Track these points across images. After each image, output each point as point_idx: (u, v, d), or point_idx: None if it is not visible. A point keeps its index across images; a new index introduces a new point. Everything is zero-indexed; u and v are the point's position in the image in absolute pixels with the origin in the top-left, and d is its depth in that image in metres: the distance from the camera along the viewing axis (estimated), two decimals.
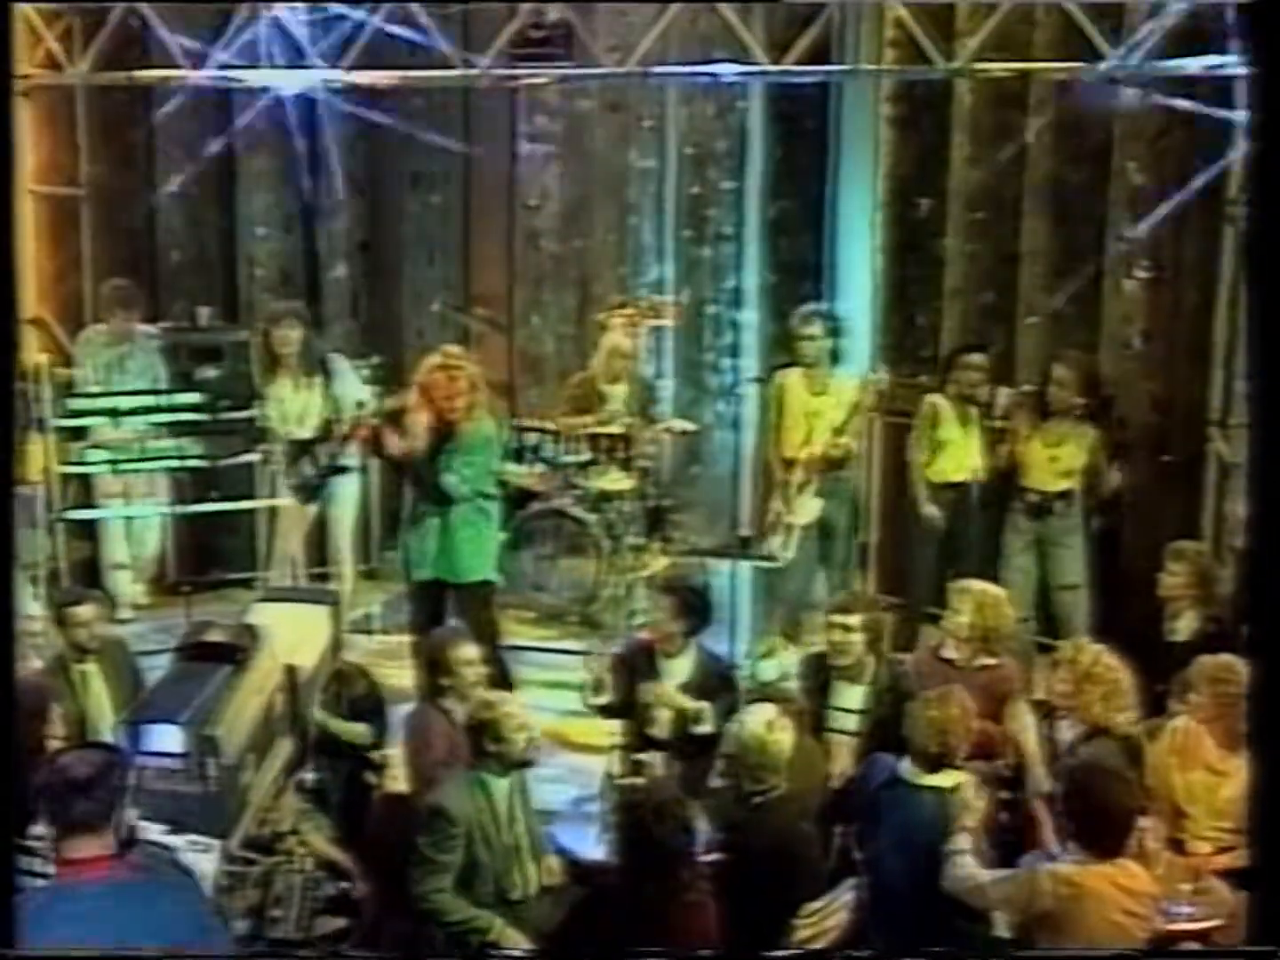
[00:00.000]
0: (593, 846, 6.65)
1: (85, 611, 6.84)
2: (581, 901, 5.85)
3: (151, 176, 10.08)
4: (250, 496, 9.41)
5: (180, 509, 9.35)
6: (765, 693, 6.89)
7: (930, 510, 8.54)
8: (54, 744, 6.10)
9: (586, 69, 8.33)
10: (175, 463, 9.10)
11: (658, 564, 9.11)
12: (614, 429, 9.04)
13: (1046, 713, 6.58)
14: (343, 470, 9.01)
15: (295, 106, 9.71)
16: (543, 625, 9.31)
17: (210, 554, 9.78)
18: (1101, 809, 5.26)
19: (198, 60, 8.34)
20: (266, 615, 5.85)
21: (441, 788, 5.96)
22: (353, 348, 9.75)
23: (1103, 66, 7.63)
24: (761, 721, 6.05)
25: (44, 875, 4.35)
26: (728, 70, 8.34)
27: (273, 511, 9.24)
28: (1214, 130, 7.62)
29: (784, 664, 8.55)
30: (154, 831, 4.55)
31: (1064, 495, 8.31)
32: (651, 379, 9.61)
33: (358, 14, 8.22)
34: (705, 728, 6.75)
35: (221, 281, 10.29)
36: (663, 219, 10.26)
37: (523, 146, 10.44)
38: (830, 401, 8.66)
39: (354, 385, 8.97)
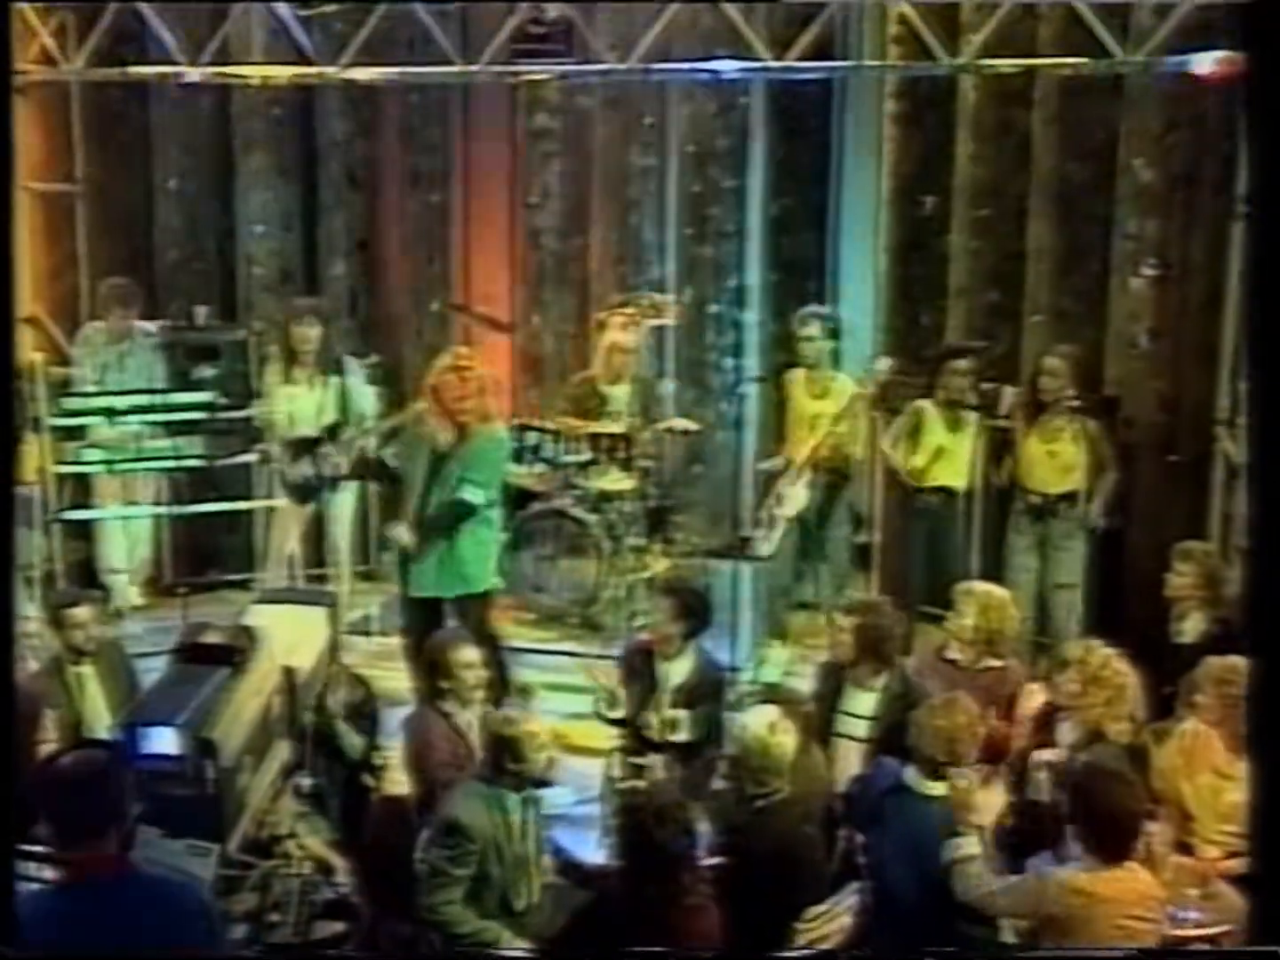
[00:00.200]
0: (594, 850, 6.60)
1: (82, 613, 6.80)
2: (582, 905, 5.82)
3: (148, 173, 10.05)
4: (247, 497, 9.40)
5: (177, 509, 9.31)
6: (768, 694, 6.82)
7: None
8: (48, 747, 6.06)
9: (587, 65, 8.27)
10: (172, 463, 9.07)
11: (659, 565, 9.09)
12: (615, 429, 9.01)
13: (1049, 713, 6.53)
14: (342, 476, 8.95)
15: (294, 103, 9.70)
16: (543, 627, 9.26)
17: (207, 555, 9.76)
18: (1105, 813, 5.23)
19: (194, 55, 8.29)
20: (264, 617, 5.83)
21: (458, 801, 5.91)
22: (352, 346, 9.70)
23: (1109, 63, 7.59)
24: (764, 724, 6.01)
25: (45, 876, 4.33)
26: (729, 67, 8.28)
27: (269, 512, 9.19)
28: (1222, 126, 7.57)
29: (779, 663, 8.55)
30: (152, 834, 4.50)
31: (1067, 497, 8.25)
32: (653, 378, 9.56)
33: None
34: (681, 735, 6.74)
35: (219, 280, 10.23)
36: (664, 217, 10.22)
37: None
38: (830, 405, 8.65)
39: (362, 393, 8.96)
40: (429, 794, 6.37)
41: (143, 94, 9.71)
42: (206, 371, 9.54)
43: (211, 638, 5.29)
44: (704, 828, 5.83)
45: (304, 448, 8.87)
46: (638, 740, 6.95)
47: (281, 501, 9.04)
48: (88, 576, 9.31)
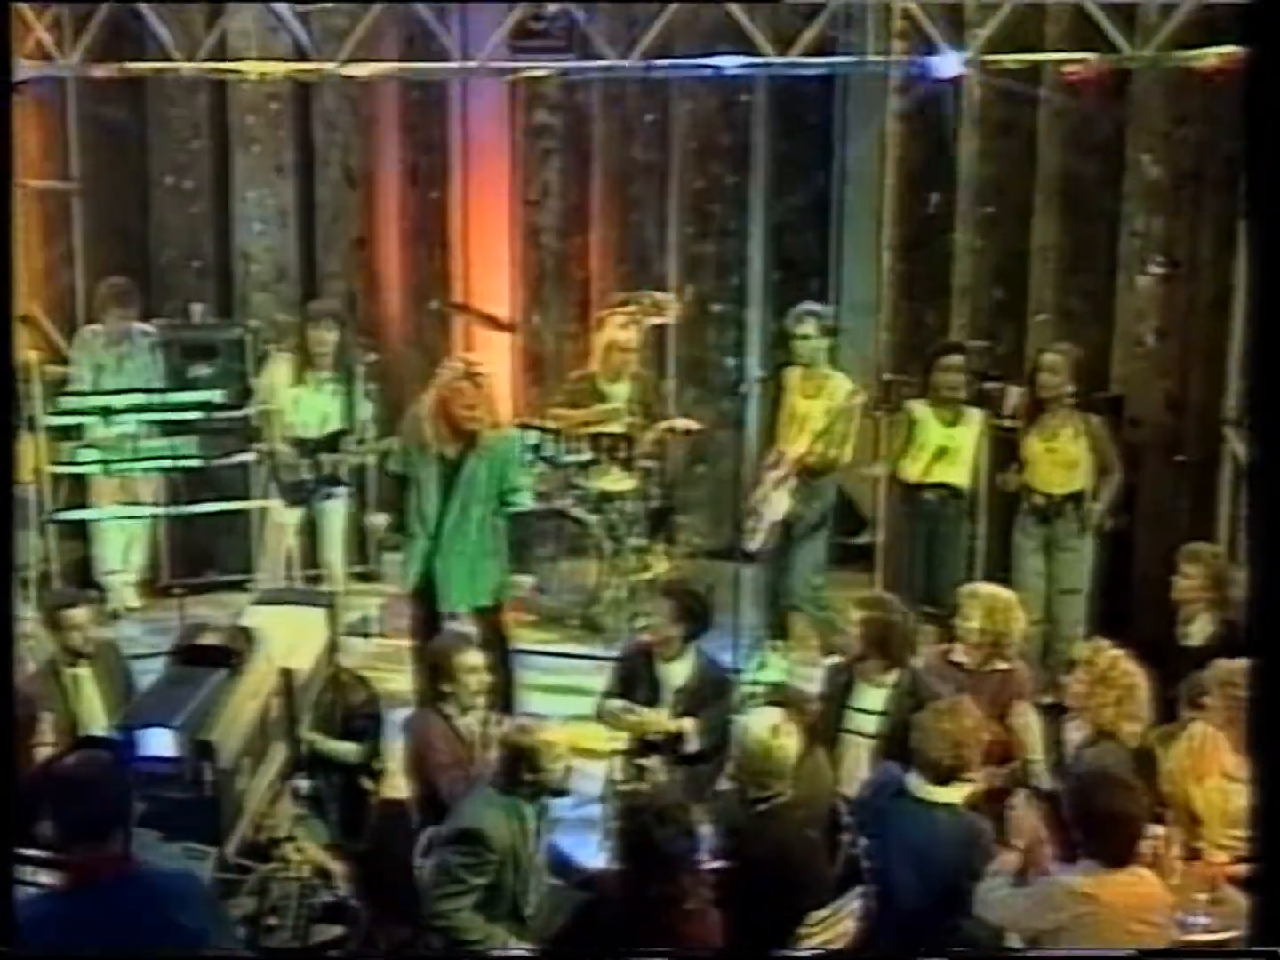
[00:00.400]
0: (595, 852, 6.56)
1: (78, 614, 6.77)
2: (583, 907, 5.79)
3: (145, 170, 9.99)
4: (245, 497, 9.38)
5: (174, 510, 9.25)
6: (772, 696, 6.77)
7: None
8: (44, 749, 6.08)
9: (587, 62, 8.23)
10: (168, 463, 9.02)
11: (660, 566, 9.04)
12: (615, 428, 8.96)
13: (1056, 715, 6.48)
14: (339, 483, 8.92)
15: (291, 98, 9.65)
16: (543, 628, 9.20)
17: (204, 555, 9.70)
18: (1106, 816, 5.19)
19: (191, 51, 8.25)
20: (262, 617, 5.79)
21: (477, 810, 5.86)
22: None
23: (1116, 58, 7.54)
24: (766, 726, 5.97)
25: (46, 878, 4.31)
26: (731, 63, 8.24)
27: (265, 512, 9.16)
28: (1231, 123, 7.52)
29: (780, 663, 8.51)
30: (149, 838, 4.50)
31: (1072, 498, 8.19)
32: (654, 377, 9.51)
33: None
34: (692, 746, 6.71)
35: (216, 278, 10.18)
36: (665, 215, 10.19)
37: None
38: (820, 405, 8.59)
39: (363, 398, 8.96)
40: (428, 797, 6.34)
41: (139, 89, 9.64)
42: (203, 370, 9.51)
43: (209, 639, 5.25)
44: (705, 830, 5.78)
45: (304, 450, 8.83)
46: (643, 743, 6.89)
47: (275, 502, 8.99)
48: (84, 577, 9.27)
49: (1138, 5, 7.70)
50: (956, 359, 8.43)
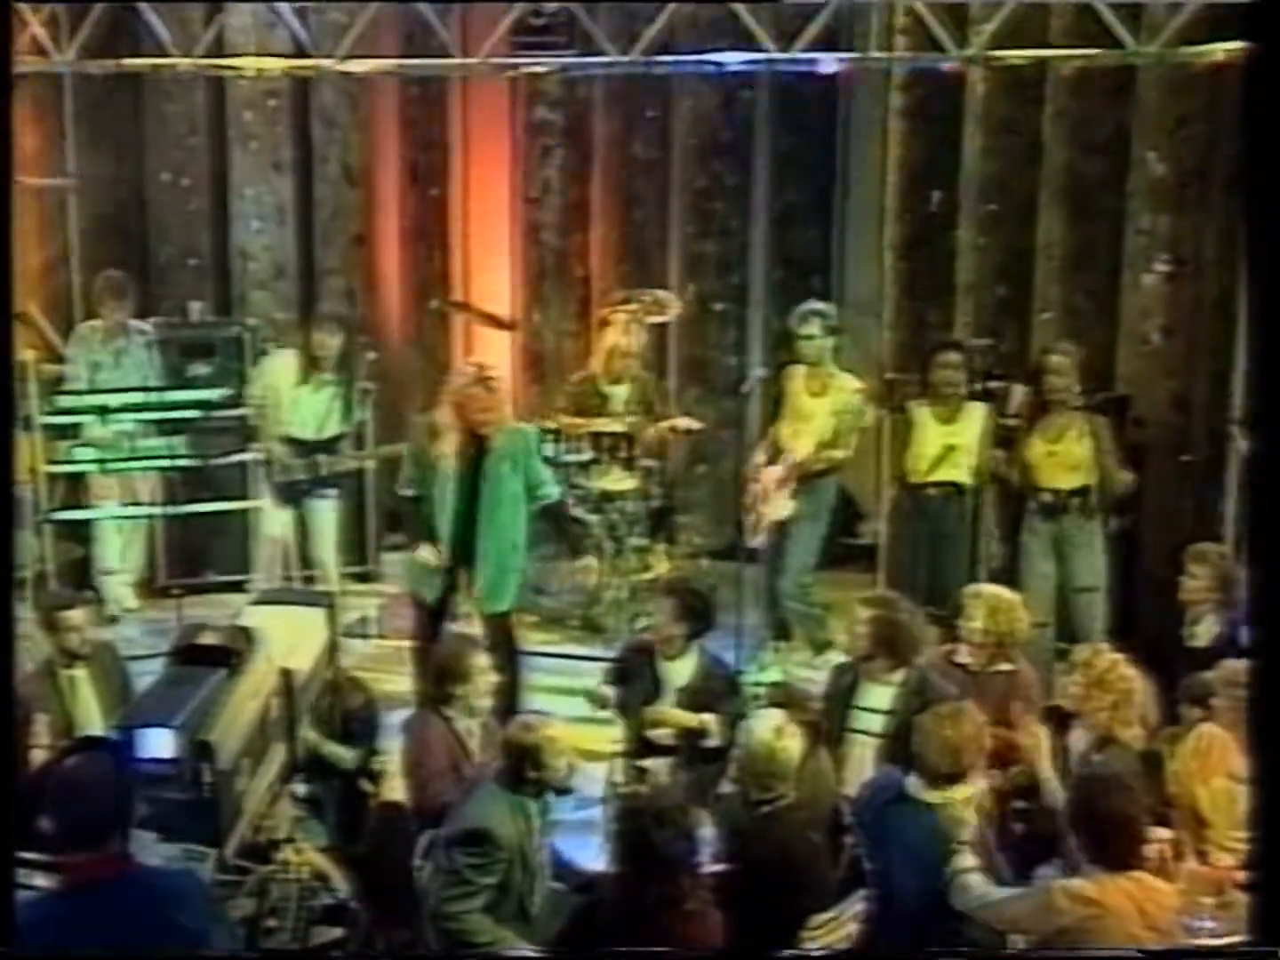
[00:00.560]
0: (595, 856, 6.50)
1: (76, 615, 6.73)
2: (583, 909, 5.77)
3: (142, 167, 9.96)
4: (243, 497, 9.37)
5: (171, 509, 9.22)
6: (775, 696, 6.74)
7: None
8: (40, 751, 6.04)
9: (588, 58, 8.18)
10: (166, 462, 8.98)
11: (662, 566, 9.02)
12: (616, 427, 8.93)
13: (1060, 719, 6.43)
14: (333, 485, 8.88)
15: (289, 95, 9.62)
16: (544, 629, 9.17)
17: (202, 555, 9.66)
18: (1107, 819, 5.16)
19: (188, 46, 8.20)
20: (261, 618, 5.78)
21: (484, 809, 5.83)
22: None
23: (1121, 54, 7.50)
24: (769, 728, 5.94)
25: (47, 880, 4.28)
26: (733, 60, 8.19)
27: (260, 511, 9.14)
28: (1236, 120, 7.47)
29: (780, 664, 8.48)
30: (148, 839, 4.49)
31: (1078, 493, 8.14)
32: (655, 377, 9.47)
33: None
34: (713, 741, 6.67)
35: (213, 276, 10.13)
36: (666, 213, 10.16)
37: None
38: (825, 405, 8.56)
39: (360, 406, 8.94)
40: (426, 798, 6.30)
41: (136, 85, 9.60)
42: (201, 369, 9.48)
43: (208, 639, 5.24)
44: (706, 832, 5.78)
45: (299, 451, 8.78)
46: (644, 744, 6.86)
47: (266, 502, 8.95)
48: (80, 578, 9.23)
49: (1143, 3, 7.67)
50: (954, 356, 8.38)
